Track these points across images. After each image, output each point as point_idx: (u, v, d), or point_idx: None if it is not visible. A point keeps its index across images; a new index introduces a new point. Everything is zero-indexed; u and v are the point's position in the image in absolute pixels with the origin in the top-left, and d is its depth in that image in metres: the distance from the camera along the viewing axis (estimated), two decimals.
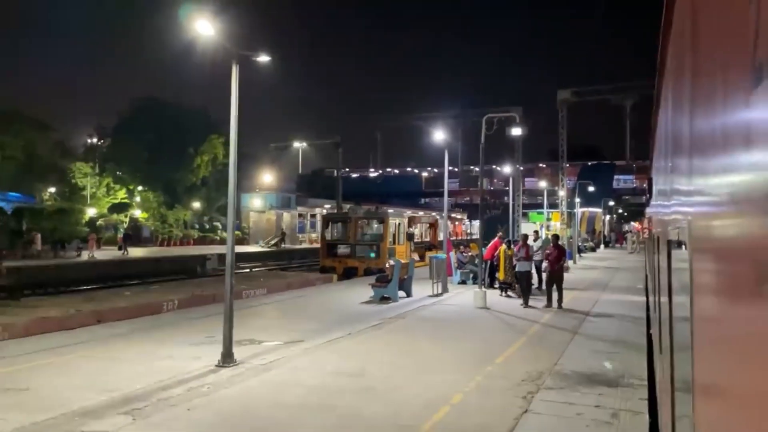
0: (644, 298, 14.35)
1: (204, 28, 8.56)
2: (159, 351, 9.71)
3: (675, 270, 2.33)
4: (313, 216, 62.12)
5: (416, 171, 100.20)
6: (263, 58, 9.19)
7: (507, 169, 44.09)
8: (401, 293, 16.59)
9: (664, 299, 2.95)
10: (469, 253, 21.74)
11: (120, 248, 37.77)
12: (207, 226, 59.50)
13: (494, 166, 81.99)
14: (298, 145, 64.75)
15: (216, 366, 8.59)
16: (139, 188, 55.59)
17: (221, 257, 37.19)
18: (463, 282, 20.46)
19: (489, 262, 18.95)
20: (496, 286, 18.27)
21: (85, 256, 34.00)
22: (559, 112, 36.19)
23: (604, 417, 6.66)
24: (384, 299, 15.91)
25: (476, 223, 62.20)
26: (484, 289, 15.87)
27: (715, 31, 1.10)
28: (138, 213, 55.15)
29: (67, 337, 10.84)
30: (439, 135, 19.93)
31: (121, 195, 55.42)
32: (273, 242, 51.81)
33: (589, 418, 6.61)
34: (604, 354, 10.01)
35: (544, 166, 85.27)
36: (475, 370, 8.60)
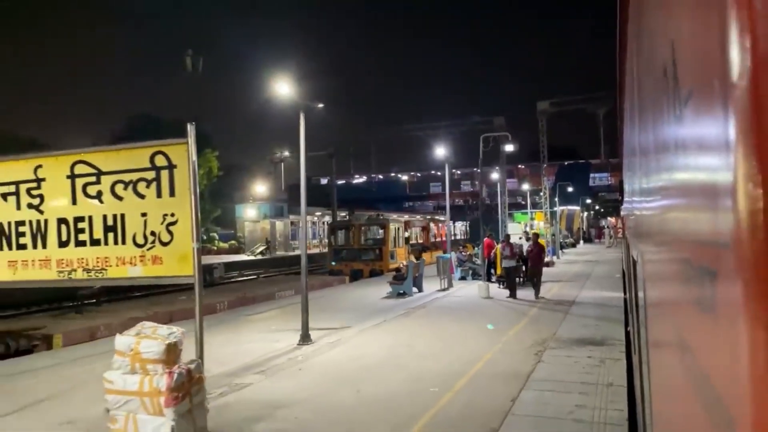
0: (621, 286, 17.12)
1: (279, 87, 11.12)
2: (239, 338, 12.19)
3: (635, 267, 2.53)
4: (314, 224, 64.39)
5: (399, 176, 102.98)
6: (319, 106, 11.80)
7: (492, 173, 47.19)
8: (414, 289, 19.23)
9: (632, 294, 3.62)
10: (467, 253, 24.45)
11: None
12: (204, 237, 61.56)
13: (475, 169, 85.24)
14: (289, 155, 67.00)
15: (297, 345, 11.14)
16: None
17: (227, 266, 39.56)
18: (463, 278, 23.15)
19: (486, 259, 21.66)
20: (494, 280, 20.97)
21: None
22: (539, 122, 39.39)
23: (594, 363, 9.37)
24: (400, 294, 18.54)
25: (459, 224, 64.85)
26: (486, 282, 18.58)
27: (653, 59, 1.24)
28: None
29: None
30: (440, 151, 22.50)
31: None
32: (259, 251, 54.10)
33: (584, 364, 9.31)
34: (591, 327, 12.75)
35: (523, 167, 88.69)
36: (495, 340, 11.27)
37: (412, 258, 31.77)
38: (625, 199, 6.20)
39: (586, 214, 77.16)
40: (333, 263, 30.38)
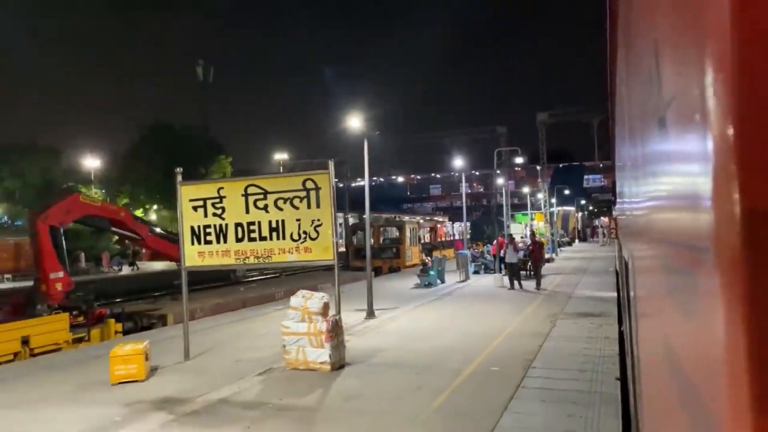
0: (614, 279, 20.41)
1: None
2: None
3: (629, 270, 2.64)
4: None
5: (398, 178, 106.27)
6: (377, 133, 15.04)
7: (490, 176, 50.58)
8: (438, 281, 22.52)
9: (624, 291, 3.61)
10: (479, 250, 27.78)
11: (130, 264, 40.55)
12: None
13: (474, 171, 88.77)
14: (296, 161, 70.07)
15: (365, 319, 14.40)
16: (154, 207, 60.62)
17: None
18: (476, 272, 26.44)
19: (497, 255, 24.98)
20: (504, 274, 24.25)
21: (125, 270, 39.22)
22: (539, 131, 42.92)
23: (594, 326, 12.66)
24: (426, 285, 21.80)
25: (457, 225, 67.97)
26: (501, 274, 21.90)
27: (639, 63, 1.25)
28: (158, 230, 60.11)
29: (239, 314, 16.49)
30: (457, 161, 25.79)
31: (138, 214, 60.25)
32: None
33: (587, 327, 12.61)
34: (590, 306, 16.05)
35: (519, 169, 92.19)
36: (516, 316, 14.56)
37: (423, 256, 35.37)
38: (617, 200, 6.35)
39: (580, 214, 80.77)
40: (355, 261, 33.64)
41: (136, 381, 8.79)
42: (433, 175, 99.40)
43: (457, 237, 63.57)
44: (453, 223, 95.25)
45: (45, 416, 7.54)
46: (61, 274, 13.55)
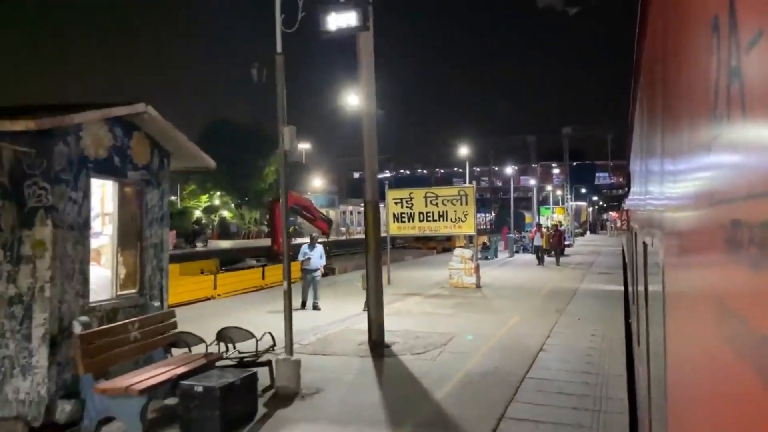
0: (621, 259, 28.91)
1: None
2: (425, 272, 23.96)
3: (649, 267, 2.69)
4: (360, 213, 76.21)
5: (425, 172, 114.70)
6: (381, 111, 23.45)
7: (508, 170, 59.21)
8: (493, 255, 31.13)
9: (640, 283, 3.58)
10: (518, 235, 36.40)
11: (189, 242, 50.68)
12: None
13: (493, 167, 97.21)
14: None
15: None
16: (218, 193, 69.48)
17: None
18: (517, 251, 35.01)
19: (533, 240, 33.53)
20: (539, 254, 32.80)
21: (209, 245, 48.41)
22: (563, 142, 51.50)
23: (609, 279, 21.20)
24: (486, 258, 30.37)
25: (479, 215, 76.50)
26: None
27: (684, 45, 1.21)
28: (225, 213, 69.13)
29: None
30: (508, 169, 34.16)
31: (204, 200, 69.22)
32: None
33: (605, 279, 21.17)
34: (605, 270, 24.55)
35: (536, 166, 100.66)
36: (554, 278, 23.10)
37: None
38: (632, 191, 6.51)
39: (591, 209, 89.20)
40: (416, 243, 42.30)
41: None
42: (456, 169, 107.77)
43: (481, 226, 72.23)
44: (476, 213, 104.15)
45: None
46: (280, 239, 22.27)
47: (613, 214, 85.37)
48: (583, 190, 60.28)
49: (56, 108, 6.20)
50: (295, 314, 8.13)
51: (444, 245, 41.83)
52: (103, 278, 6.75)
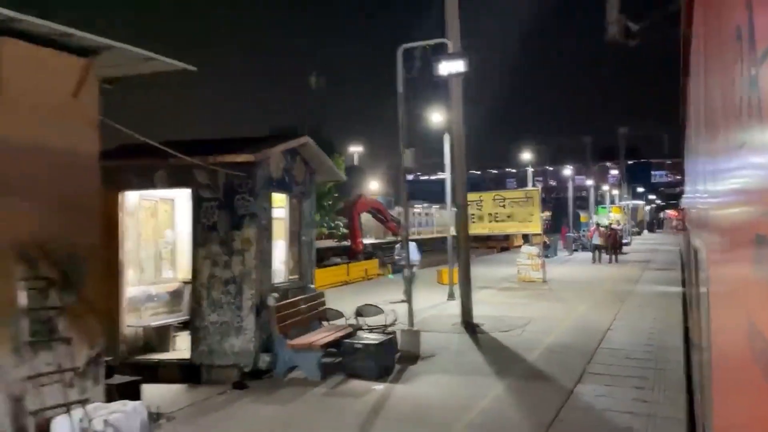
0: (678, 256, 29.96)
1: None
2: (492, 269, 25.80)
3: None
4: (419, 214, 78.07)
5: (478, 173, 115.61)
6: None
7: (566, 171, 60.19)
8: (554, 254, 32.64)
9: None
10: (576, 234, 37.74)
11: None
12: (332, 224, 76.56)
13: (548, 167, 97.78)
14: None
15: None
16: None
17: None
18: (575, 250, 36.36)
19: (591, 239, 34.82)
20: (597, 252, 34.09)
21: None
22: (619, 141, 52.36)
23: (669, 276, 22.57)
24: (547, 256, 31.90)
25: None
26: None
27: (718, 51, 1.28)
28: None
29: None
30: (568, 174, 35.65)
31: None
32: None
33: (664, 274, 22.56)
34: (663, 266, 25.82)
35: (593, 165, 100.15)
36: (613, 274, 24.56)
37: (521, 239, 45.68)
38: (688, 189, 6.18)
39: (648, 207, 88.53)
40: (475, 243, 44.11)
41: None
42: (508, 170, 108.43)
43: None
44: None
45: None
46: (359, 239, 24.58)
47: (670, 212, 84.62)
48: (640, 189, 60.47)
49: (251, 141, 8.56)
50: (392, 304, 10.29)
51: (502, 245, 43.51)
52: (278, 266, 9.06)
